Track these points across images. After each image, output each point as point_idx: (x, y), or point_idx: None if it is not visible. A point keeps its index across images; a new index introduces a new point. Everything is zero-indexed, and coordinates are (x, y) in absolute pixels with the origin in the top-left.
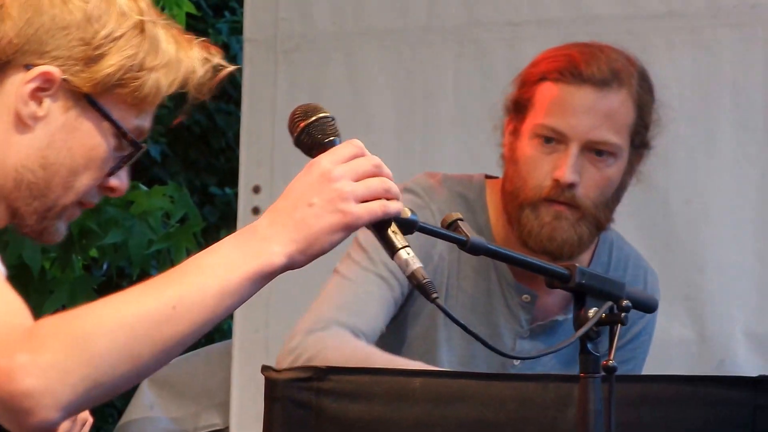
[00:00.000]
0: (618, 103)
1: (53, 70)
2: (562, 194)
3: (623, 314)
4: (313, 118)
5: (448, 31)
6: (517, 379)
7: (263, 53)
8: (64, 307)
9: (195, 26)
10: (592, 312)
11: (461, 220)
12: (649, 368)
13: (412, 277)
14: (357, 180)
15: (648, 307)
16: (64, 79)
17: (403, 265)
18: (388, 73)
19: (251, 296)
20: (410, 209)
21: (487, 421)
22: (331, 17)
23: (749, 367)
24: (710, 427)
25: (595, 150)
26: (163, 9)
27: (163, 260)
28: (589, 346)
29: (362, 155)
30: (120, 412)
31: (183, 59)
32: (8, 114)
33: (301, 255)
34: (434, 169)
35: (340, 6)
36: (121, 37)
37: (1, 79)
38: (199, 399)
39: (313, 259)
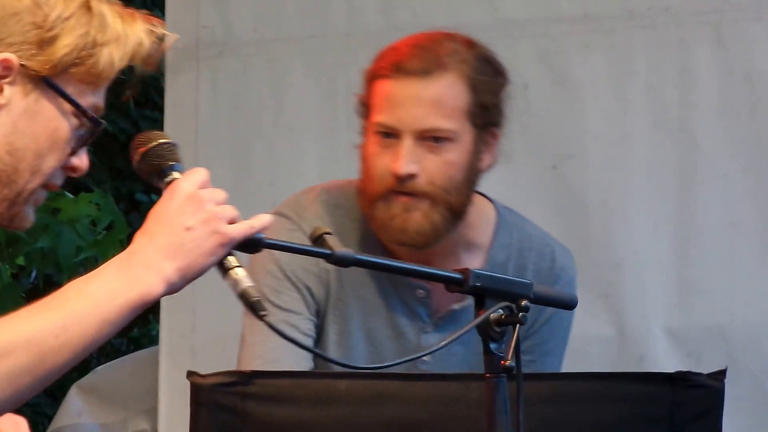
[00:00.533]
0: (444, 88)
1: (10, 56)
2: (403, 185)
3: (521, 314)
4: (152, 144)
5: (367, 37)
6: (440, 378)
7: (185, 60)
8: None
9: None
10: (494, 313)
11: (328, 233)
12: (570, 366)
13: (242, 295)
14: (219, 204)
15: (566, 304)
16: (22, 64)
17: (234, 284)
18: (309, 79)
19: (129, 321)
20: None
21: (412, 421)
22: (252, 25)
23: (668, 364)
24: (628, 423)
25: (431, 137)
26: None
27: (91, 267)
28: (493, 346)
29: (209, 185)
30: (50, 419)
31: (130, 33)
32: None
33: (180, 280)
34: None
35: (260, 14)
36: (70, 17)
37: None
38: (127, 405)
39: (190, 282)
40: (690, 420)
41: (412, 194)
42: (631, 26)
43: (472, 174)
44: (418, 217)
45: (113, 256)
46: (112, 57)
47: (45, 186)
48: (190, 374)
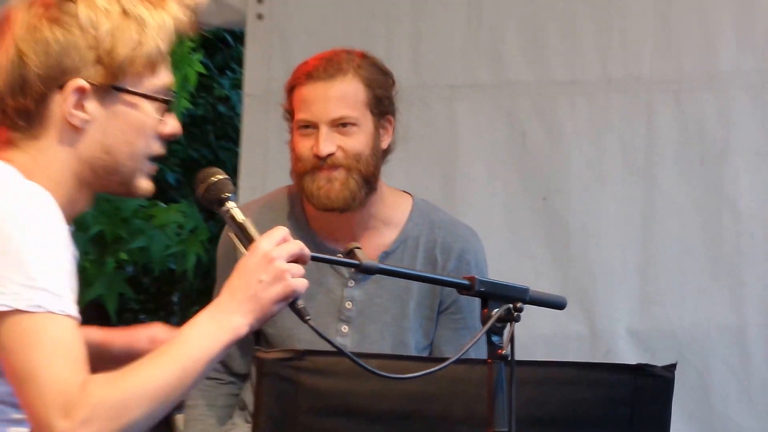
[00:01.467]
0: (346, 86)
1: (81, 82)
2: (324, 163)
3: (516, 314)
4: (211, 181)
5: (402, 92)
6: (441, 360)
7: (258, 105)
8: (101, 297)
9: (203, 82)
10: (495, 312)
11: (358, 248)
12: (551, 355)
13: (297, 312)
14: (289, 260)
15: (557, 306)
16: (91, 84)
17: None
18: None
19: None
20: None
21: (426, 394)
22: None
23: (630, 357)
24: (597, 403)
25: (340, 124)
26: (177, 68)
27: (178, 261)
28: (494, 338)
29: (289, 239)
30: None
31: (165, 17)
32: (62, 127)
33: (257, 321)
34: None
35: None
36: (114, 28)
37: (47, 105)
38: None
39: (264, 322)
40: (647, 402)
41: (331, 168)
42: (609, 90)
43: (376, 150)
44: (337, 186)
45: (195, 252)
46: (158, 44)
47: (149, 158)
48: (256, 350)
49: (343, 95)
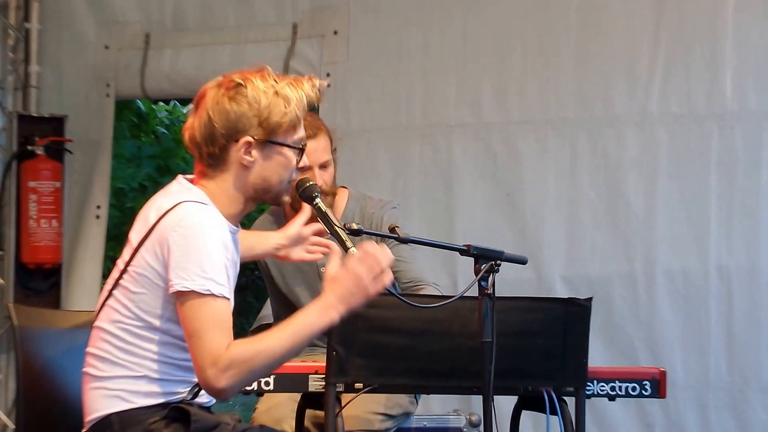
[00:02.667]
0: (323, 142)
1: (248, 138)
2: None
3: (497, 267)
4: (306, 185)
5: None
6: (450, 298)
7: None
8: None
9: None
10: (484, 267)
11: (398, 227)
12: (514, 294)
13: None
14: (373, 276)
15: (520, 261)
16: (255, 139)
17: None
18: (389, 156)
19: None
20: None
21: (436, 318)
22: (351, 119)
23: (563, 294)
24: (544, 322)
25: (320, 165)
26: None
27: None
28: (482, 283)
29: (374, 255)
30: None
31: (302, 93)
32: (237, 166)
33: (346, 313)
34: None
35: (357, 110)
36: (270, 103)
37: (227, 152)
38: None
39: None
40: (574, 321)
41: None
42: (548, 128)
43: (335, 175)
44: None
45: None
46: (297, 113)
47: (289, 182)
48: None
49: (321, 147)
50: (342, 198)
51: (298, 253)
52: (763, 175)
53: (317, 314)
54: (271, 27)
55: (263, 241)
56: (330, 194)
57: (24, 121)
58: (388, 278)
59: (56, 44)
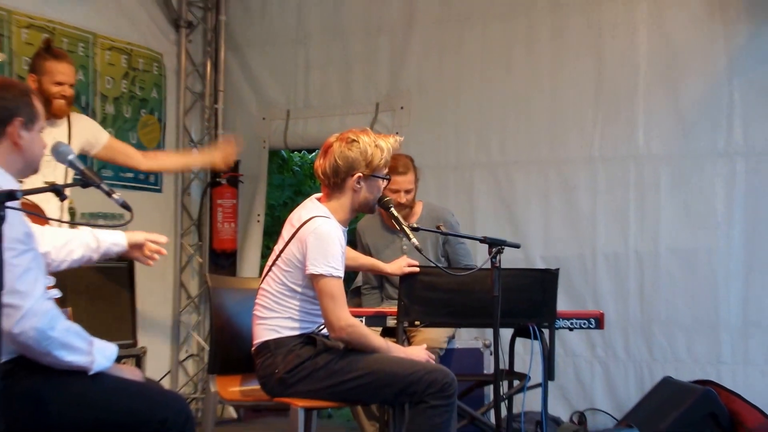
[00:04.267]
0: (411, 176)
1: (359, 173)
2: (402, 205)
3: (503, 250)
4: (384, 200)
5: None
6: (471, 269)
7: None
8: None
9: None
10: (494, 250)
11: (442, 225)
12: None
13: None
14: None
15: (515, 246)
16: (363, 175)
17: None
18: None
19: None
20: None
21: (460, 282)
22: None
23: (542, 267)
24: (529, 285)
25: (406, 190)
26: None
27: None
28: (493, 260)
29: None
30: None
31: (390, 144)
32: (350, 191)
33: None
34: None
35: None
36: (373, 153)
37: (345, 182)
38: None
39: None
40: (548, 284)
41: (403, 205)
42: (509, 167)
43: (414, 196)
44: (405, 212)
45: None
46: (387, 157)
47: (377, 199)
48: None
49: (410, 180)
50: (419, 207)
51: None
52: (661, 192)
53: (396, 350)
54: (363, 104)
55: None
56: (410, 206)
57: None
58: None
59: (233, 117)
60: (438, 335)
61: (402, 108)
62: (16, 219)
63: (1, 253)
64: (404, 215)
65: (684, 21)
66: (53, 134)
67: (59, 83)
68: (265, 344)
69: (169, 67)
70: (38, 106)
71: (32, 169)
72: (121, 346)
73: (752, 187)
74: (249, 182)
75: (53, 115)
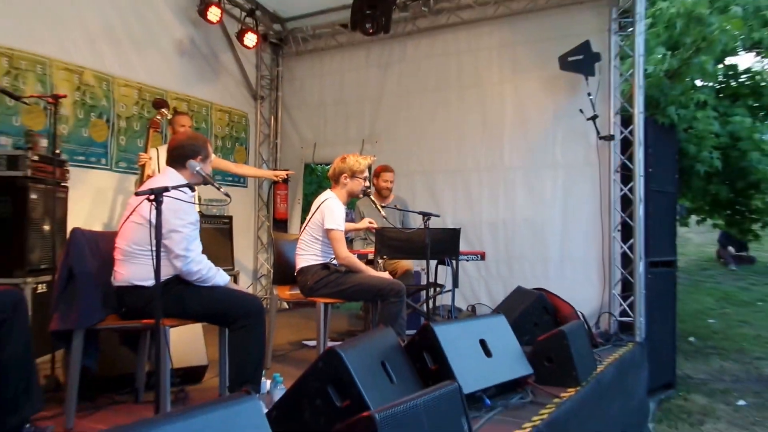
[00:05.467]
0: (390, 175)
1: (346, 175)
2: (388, 189)
3: (429, 219)
4: (365, 189)
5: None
6: (413, 229)
7: None
8: None
9: None
10: (426, 218)
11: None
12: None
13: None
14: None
15: (436, 216)
16: (348, 176)
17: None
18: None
19: None
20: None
21: (408, 236)
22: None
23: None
24: (444, 237)
25: (390, 182)
26: None
27: None
28: (427, 223)
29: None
30: None
31: (366, 161)
32: (343, 185)
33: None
34: None
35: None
36: (353, 165)
37: (339, 179)
38: None
39: None
40: (455, 236)
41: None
42: (480, 172)
43: (392, 189)
44: (386, 194)
45: None
46: (364, 167)
47: (362, 190)
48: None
49: (391, 177)
50: (392, 196)
51: None
52: (516, 187)
53: (372, 272)
54: (355, 140)
55: None
56: (390, 196)
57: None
58: None
59: (285, 147)
60: (410, 264)
61: (377, 142)
62: (190, 208)
63: (178, 225)
64: (385, 197)
65: (529, 93)
66: None
67: (182, 126)
68: (302, 269)
69: (251, 120)
70: (210, 148)
71: (201, 182)
72: (225, 270)
73: (567, 184)
74: (293, 181)
75: None
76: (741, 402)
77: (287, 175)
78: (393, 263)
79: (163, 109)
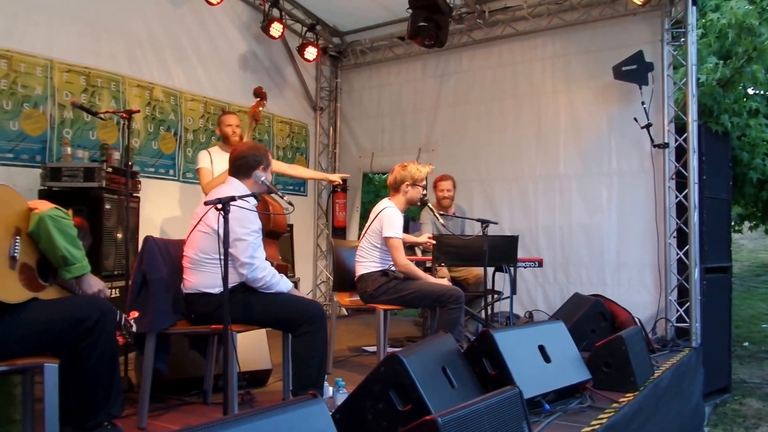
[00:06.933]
0: (449, 183)
1: (407, 183)
2: (446, 198)
3: (487, 226)
4: (424, 198)
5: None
6: (470, 236)
7: None
8: None
9: None
10: (484, 225)
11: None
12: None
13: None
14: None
15: (494, 223)
16: (409, 184)
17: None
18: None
19: None
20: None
21: (467, 242)
22: None
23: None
24: (501, 244)
25: (448, 190)
26: None
27: None
28: (486, 230)
29: None
30: None
31: (425, 169)
32: (404, 193)
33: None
34: None
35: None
36: (414, 173)
37: (400, 187)
38: None
39: None
40: (512, 243)
41: (448, 201)
42: (536, 180)
43: (454, 197)
44: (447, 204)
45: None
46: (423, 175)
47: (419, 198)
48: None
49: (450, 186)
50: (453, 206)
51: None
52: (573, 194)
53: (430, 279)
54: (412, 148)
55: None
56: (451, 205)
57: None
58: None
59: (344, 156)
60: (480, 272)
61: (433, 150)
62: (254, 216)
63: (243, 234)
64: (446, 207)
65: (583, 103)
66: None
67: (229, 125)
68: (362, 276)
69: (311, 131)
70: (270, 157)
71: (266, 191)
72: (287, 277)
73: (621, 191)
74: (352, 190)
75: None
76: None
77: (341, 179)
78: (463, 270)
79: (262, 100)
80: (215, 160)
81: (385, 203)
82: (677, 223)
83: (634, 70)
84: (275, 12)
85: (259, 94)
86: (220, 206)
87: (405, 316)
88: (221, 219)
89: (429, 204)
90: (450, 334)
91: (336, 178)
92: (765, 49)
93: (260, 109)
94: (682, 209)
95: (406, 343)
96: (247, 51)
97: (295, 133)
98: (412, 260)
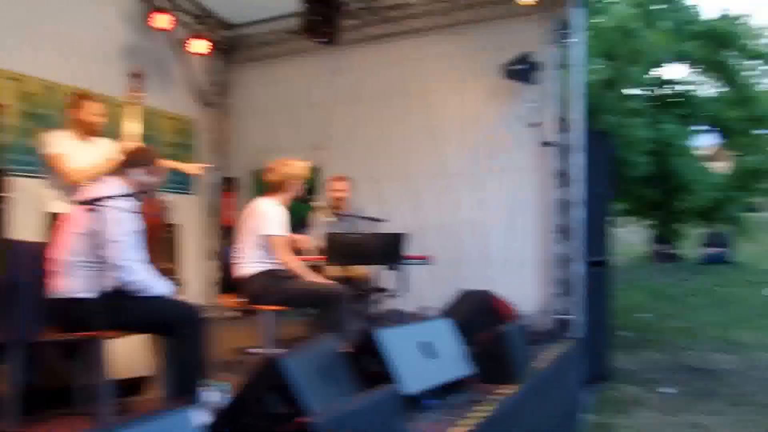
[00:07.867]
0: (343, 184)
1: (294, 181)
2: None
3: (379, 221)
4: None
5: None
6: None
7: None
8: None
9: None
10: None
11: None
12: None
13: None
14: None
15: (383, 220)
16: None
17: None
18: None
19: None
20: None
21: (357, 241)
22: None
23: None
24: (390, 242)
25: (341, 190)
26: None
27: None
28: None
29: None
30: None
31: (304, 168)
32: (284, 190)
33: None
34: None
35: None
36: (293, 171)
37: (284, 186)
38: None
39: None
40: (400, 240)
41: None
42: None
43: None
44: (340, 203)
45: None
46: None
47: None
48: None
49: (344, 186)
50: (347, 206)
51: None
52: (461, 192)
53: (315, 277)
54: (302, 148)
55: None
56: (343, 206)
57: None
58: None
59: (233, 152)
60: (364, 270)
61: (326, 149)
62: (129, 216)
63: (117, 234)
64: (339, 206)
65: (473, 101)
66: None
67: (95, 114)
68: (245, 276)
69: (200, 126)
70: (155, 157)
71: (144, 191)
72: (172, 280)
73: (509, 188)
74: (243, 189)
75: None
76: (670, 390)
77: (202, 168)
78: (349, 269)
79: (138, 77)
80: (73, 150)
81: (261, 200)
82: (561, 219)
83: (522, 70)
84: (162, 2)
85: (136, 75)
86: (91, 207)
87: (301, 316)
88: (97, 219)
89: (312, 204)
90: (332, 333)
91: (191, 168)
92: (644, 52)
93: (138, 94)
94: (565, 206)
95: (295, 345)
96: (130, 42)
97: (183, 129)
98: (303, 260)
